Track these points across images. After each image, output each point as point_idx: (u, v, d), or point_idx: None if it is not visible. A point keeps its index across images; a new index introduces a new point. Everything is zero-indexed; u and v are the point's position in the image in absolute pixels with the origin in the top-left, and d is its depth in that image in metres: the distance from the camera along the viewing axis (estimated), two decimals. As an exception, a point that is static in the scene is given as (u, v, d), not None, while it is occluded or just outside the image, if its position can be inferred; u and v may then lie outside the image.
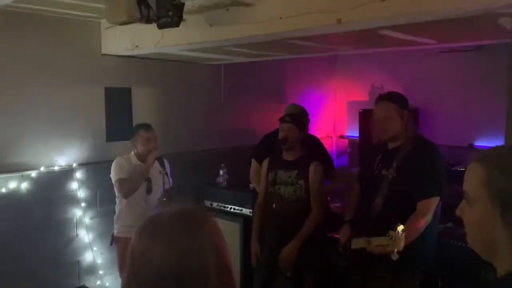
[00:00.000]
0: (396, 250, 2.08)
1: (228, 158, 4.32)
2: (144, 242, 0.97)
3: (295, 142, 2.99)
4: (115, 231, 3.26)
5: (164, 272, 0.92)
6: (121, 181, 3.13)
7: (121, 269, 3.16)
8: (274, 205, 3.07)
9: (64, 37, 3.42)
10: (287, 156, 3.03)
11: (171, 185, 3.37)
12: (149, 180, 3.21)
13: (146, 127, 3.25)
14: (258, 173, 3.48)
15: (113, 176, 3.16)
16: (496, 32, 2.88)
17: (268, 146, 3.49)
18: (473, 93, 4.52)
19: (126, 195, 3.14)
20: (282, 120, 3.10)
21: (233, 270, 1.02)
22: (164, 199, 3.25)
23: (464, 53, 4.42)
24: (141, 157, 3.22)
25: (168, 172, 3.31)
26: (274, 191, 3.05)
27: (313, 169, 2.92)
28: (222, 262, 0.99)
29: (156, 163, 3.19)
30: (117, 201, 3.26)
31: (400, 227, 2.08)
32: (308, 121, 3.42)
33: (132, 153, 3.27)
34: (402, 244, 2.08)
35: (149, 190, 3.21)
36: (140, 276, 0.95)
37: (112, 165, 3.18)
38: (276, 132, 3.66)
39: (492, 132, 4.36)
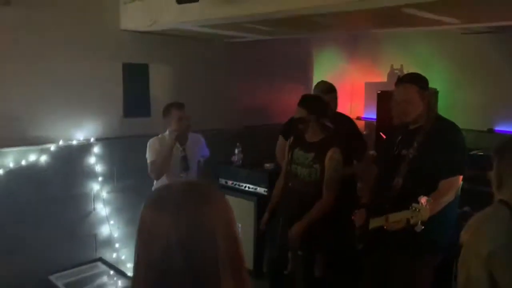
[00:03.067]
0: (420, 221, 2.07)
1: (244, 137, 4.32)
2: (153, 214, 0.97)
3: (306, 124, 2.97)
4: None
5: (172, 244, 0.92)
6: (151, 163, 3.17)
7: None
8: (290, 184, 3.07)
9: (83, 12, 3.41)
10: (308, 137, 3.02)
11: (207, 157, 3.52)
12: (185, 158, 3.25)
13: (179, 105, 3.27)
14: (283, 149, 3.48)
15: (147, 158, 3.22)
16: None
17: (295, 124, 3.49)
18: (495, 76, 4.41)
19: (156, 176, 3.17)
20: None
21: (241, 241, 1.01)
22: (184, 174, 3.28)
23: (487, 34, 4.30)
24: (175, 136, 3.22)
25: (204, 145, 3.47)
26: (290, 170, 3.05)
27: (330, 155, 2.89)
28: (231, 233, 0.98)
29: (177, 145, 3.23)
30: (155, 181, 3.29)
31: (424, 198, 2.06)
32: (331, 101, 3.37)
33: (167, 132, 3.29)
34: (427, 214, 2.06)
35: (186, 168, 3.25)
36: (149, 248, 0.95)
37: (147, 145, 3.23)
38: None
39: (513, 117, 4.28)
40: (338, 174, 2.99)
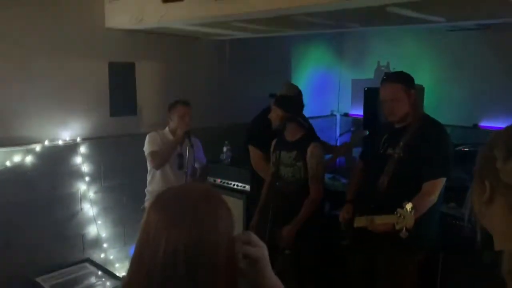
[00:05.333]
0: (405, 227, 2.09)
1: (232, 135, 4.31)
2: (162, 219, 0.95)
3: (279, 124, 3.00)
4: (147, 203, 3.33)
5: (178, 252, 0.91)
6: (152, 153, 3.25)
7: None
8: (277, 184, 3.10)
9: (68, 10, 3.36)
10: (287, 136, 3.06)
11: (204, 162, 3.58)
12: (181, 156, 3.28)
13: (185, 102, 3.34)
14: (261, 159, 3.47)
15: (146, 149, 3.29)
16: (507, 10, 2.82)
17: (262, 129, 3.46)
18: (480, 72, 4.46)
19: (157, 166, 3.27)
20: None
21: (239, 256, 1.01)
22: (191, 176, 3.33)
23: (473, 31, 4.35)
24: (185, 131, 3.28)
25: (201, 149, 3.51)
26: (277, 171, 3.09)
27: (310, 152, 2.93)
28: (232, 248, 0.98)
29: (186, 139, 3.27)
30: (149, 173, 3.38)
31: (409, 205, 2.08)
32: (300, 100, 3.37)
33: (167, 128, 3.38)
34: (412, 222, 2.09)
35: (180, 165, 3.28)
36: (153, 251, 0.93)
37: (146, 139, 3.30)
38: (262, 113, 3.67)
39: (498, 113, 4.33)
40: (322, 167, 3.01)
